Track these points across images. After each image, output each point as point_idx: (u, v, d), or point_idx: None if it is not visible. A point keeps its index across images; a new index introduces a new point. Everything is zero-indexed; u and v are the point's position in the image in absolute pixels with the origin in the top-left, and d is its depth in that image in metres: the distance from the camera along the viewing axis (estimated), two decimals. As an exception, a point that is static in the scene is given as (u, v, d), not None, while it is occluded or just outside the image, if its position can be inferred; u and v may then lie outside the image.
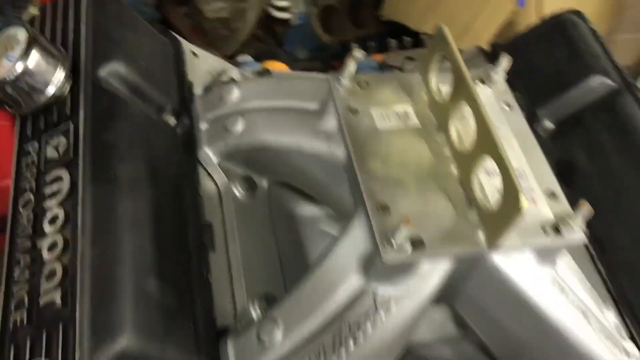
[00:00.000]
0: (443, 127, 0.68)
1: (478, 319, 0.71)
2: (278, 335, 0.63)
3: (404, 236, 0.57)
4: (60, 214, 0.62)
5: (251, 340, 0.64)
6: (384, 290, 0.61)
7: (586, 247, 0.84)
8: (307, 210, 0.91)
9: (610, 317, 0.73)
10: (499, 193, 0.58)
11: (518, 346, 0.70)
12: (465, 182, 0.64)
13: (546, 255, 0.64)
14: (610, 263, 0.82)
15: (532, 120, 0.95)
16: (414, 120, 0.69)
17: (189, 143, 0.79)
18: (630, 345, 0.72)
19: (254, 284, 0.74)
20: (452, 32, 0.65)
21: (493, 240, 0.59)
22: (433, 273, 0.61)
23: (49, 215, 0.63)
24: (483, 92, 0.73)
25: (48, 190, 0.65)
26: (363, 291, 0.61)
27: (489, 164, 0.62)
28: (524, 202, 0.54)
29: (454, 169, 0.66)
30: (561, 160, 0.93)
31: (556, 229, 0.63)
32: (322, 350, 0.60)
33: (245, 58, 1.13)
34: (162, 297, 0.62)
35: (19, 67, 0.67)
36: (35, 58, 0.68)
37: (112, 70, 0.74)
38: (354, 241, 0.63)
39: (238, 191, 0.81)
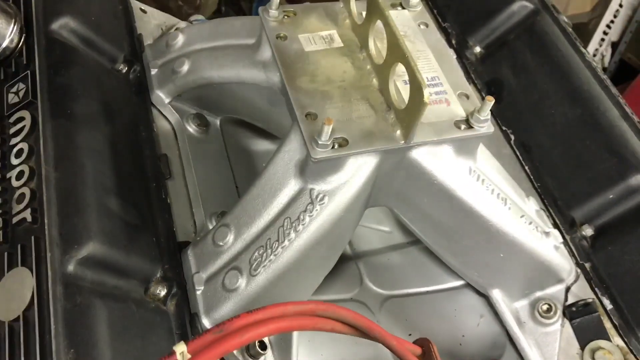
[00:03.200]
0: (364, 45, 0.76)
1: (411, 215, 0.79)
2: (230, 237, 0.71)
3: (328, 134, 0.65)
4: (25, 147, 0.70)
5: (208, 246, 0.72)
6: (319, 187, 0.69)
7: (514, 151, 0.93)
8: (259, 145, 0.99)
9: (531, 206, 0.81)
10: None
11: (448, 235, 0.79)
12: (384, 89, 0.71)
13: (463, 149, 0.72)
14: (534, 163, 0.91)
15: (464, 46, 1.03)
16: (338, 42, 0.77)
17: (141, 88, 0.86)
18: (552, 230, 0.81)
19: (211, 205, 0.81)
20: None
21: (407, 135, 0.67)
22: (360, 169, 0.69)
23: (14, 150, 0.70)
24: (400, 14, 0.81)
25: (12, 129, 0.72)
26: (301, 191, 0.69)
27: (405, 75, 0.70)
28: (426, 93, 0.62)
29: (374, 81, 0.73)
30: (491, 80, 1.02)
31: (468, 124, 0.71)
32: (268, 244, 0.68)
33: (198, 17, 1.19)
34: (123, 213, 0.70)
35: (-25, 24, 0.74)
36: (-11, 15, 0.74)
37: (63, 24, 0.81)
38: (290, 150, 0.70)
39: (191, 127, 0.88)
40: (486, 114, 0.70)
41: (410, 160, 0.71)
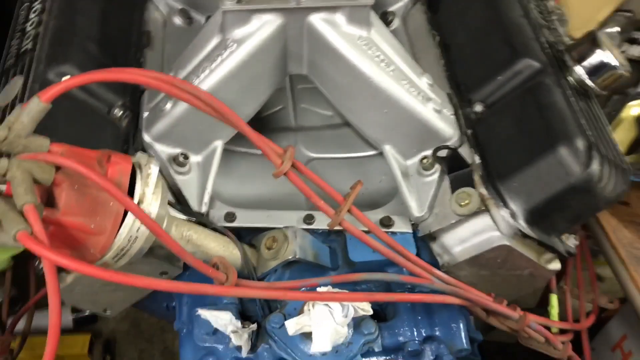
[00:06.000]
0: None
1: (321, 80, 0.99)
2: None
3: (236, -6, 0.87)
4: (39, 7, 0.99)
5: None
6: (231, 37, 0.91)
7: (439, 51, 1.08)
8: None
9: (424, 80, 0.97)
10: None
11: (346, 94, 0.97)
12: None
13: (355, 18, 0.91)
14: (450, 58, 1.06)
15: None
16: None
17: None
18: (437, 99, 0.96)
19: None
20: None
21: (300, -1, 0.88)
22: (264, 26, 0.90)
23: (32, 9, 0.99)
24: None
25: (29, -2, 1.02)
26: (220, 42, 0.92)
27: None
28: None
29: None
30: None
31: (351, -5, 0.90)
32: (191, 79, 0.91)
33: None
34: (99, 56, 0.96)
35: None
36: None
37: None
38: (218, 17, 0.93)
39: (177, 20, 1.14)
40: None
41: (310, 25, 0.91)
